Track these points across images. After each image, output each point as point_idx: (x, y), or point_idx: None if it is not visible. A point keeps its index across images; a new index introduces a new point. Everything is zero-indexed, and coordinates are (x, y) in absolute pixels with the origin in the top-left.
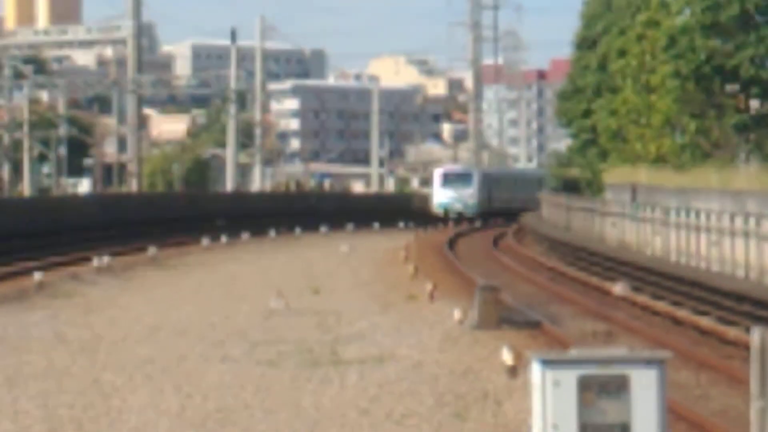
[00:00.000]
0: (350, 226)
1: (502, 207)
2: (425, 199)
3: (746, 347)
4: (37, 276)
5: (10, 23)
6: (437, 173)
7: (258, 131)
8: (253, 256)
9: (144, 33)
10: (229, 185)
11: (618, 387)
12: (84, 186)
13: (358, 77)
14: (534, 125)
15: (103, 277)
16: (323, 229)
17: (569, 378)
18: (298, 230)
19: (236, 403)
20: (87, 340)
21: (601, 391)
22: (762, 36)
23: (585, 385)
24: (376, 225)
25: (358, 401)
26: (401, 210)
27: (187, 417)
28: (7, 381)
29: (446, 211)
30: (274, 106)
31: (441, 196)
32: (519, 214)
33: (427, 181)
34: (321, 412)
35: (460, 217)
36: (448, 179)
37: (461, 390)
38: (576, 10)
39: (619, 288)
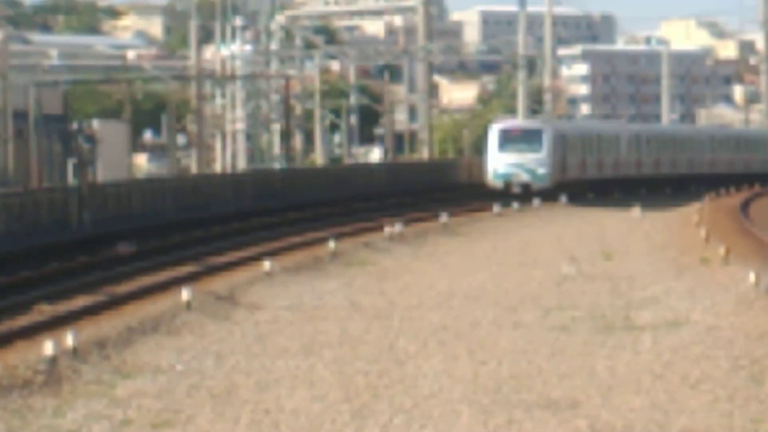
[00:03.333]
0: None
1: (586, 177)
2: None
3: None
4: (331, 244)
5: None
6: (493, 131)
7: (548, 97)
8: (544, 223)
9: (432, 1)
10: None
11: None
12: (375, 154)
13: (647, 41)
14: None
15: (396, 245)
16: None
17: None
18: (591, 196)
19: (530, 368)
20: (381, 307)
21: None
22: None
23: None
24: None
25: (653, 366)
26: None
27: (480, 383)
28: (304, 349)
29: (507, 184)
30: (564, 71)
31: (499, 164)
32: (613, 187)
33: None
34: (615, 377)
35: (526, 192)
36: (509, 140)
37: (757, 354)
38: None
39: None
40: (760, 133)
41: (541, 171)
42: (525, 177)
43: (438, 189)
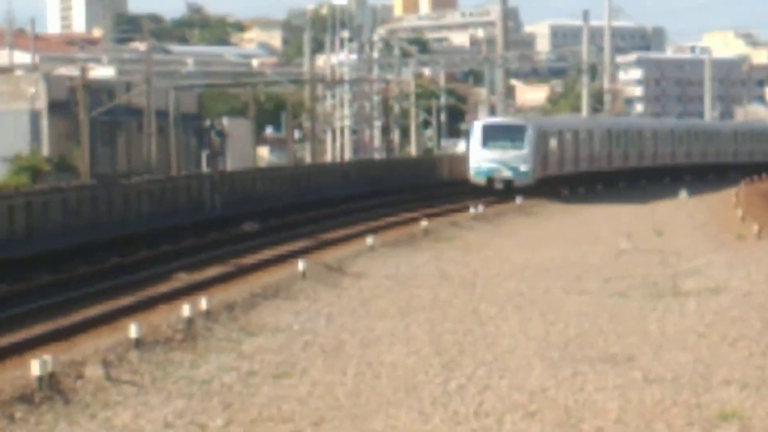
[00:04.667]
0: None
1: (570, 172)
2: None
3: None
4: (424, 223)
5: (397, 11)
6: (476, 127)
7: (607, 98)
8: (605, 204)
9: (509, 16)
10: None
11: None
12: (461, 147)
13: (692, 50)
14: None
15: (478, 223)
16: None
17: None
18: (643, 182)
19: (592, 328)
20: (465, 276)
21: None
22: None
23: None
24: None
25: (697, 326)
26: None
27: (551, 341)
28: (400, 312)
29: (490, 180)
30: (621, 75)
31: (481, 159)
32: (594, 182)
33: None
34: (665, 336)
35: (508, 188)
36: (491, 135)
37: None
38: None
39: None
40: (718, 126)
41: (524, 168)
42: (507, 173)
43: None
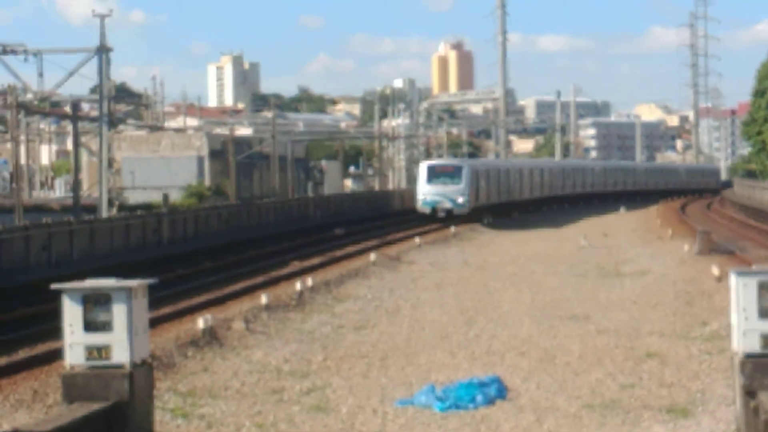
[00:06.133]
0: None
1: (494, 203)
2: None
3: None
4: (452, 229)
5: (435, 90)
6: (422, 168)
7: (572, 147)
8: (572, 220)
9: (508, 94)
10: None
11: None
12: None
13: (628, 116)
14: (729, 140)
15: (488, 230)
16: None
17: (752, 282)
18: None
19: (562, 297)
20: (479, 263)
21: (763, 287)
22: None
23: (762, 286)
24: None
25: (630, 296)
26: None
27: (535, 305)
28: (436, 286)
29: (434, 210)
30: (581, 133)
31: (427, 193)
32: (513, 211)
33: None
34: (610, 302)
35: (449, 216)
36: (435, 174)
37: (689, 289)
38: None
39: None
40: (597, 164)
41: (461, 200)
42: (448, 204)
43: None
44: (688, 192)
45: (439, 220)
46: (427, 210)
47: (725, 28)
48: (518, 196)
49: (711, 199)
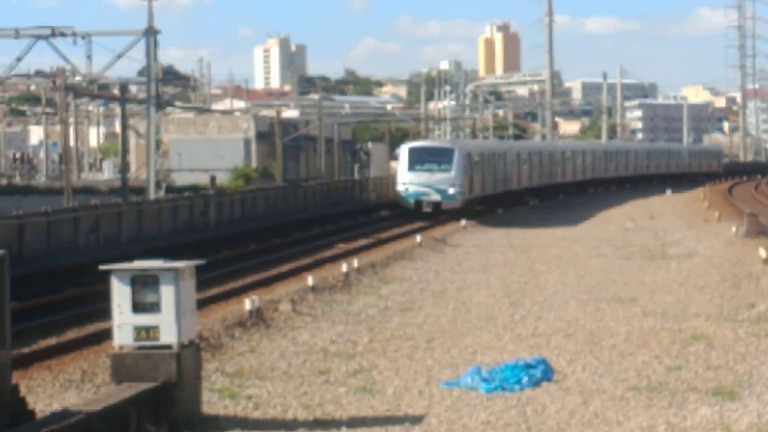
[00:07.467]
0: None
1: (492, 194)
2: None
3: None
4: (500, 211)
5: (481, 72)
6: (403, 151)
7: (618, 129)
8: (621, 199)
9: (554, 76)
10: None
11: None
12: None
13: (675, 98)
14: None
15: (532, 211)
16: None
17: None
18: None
19: (607, 279)
20: (524, 245)
21: None
22: None
23: None
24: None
25: (677, 278)
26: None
27: (580, 287)
28: (482, 269)
29: (418, 204)
30: (627, 115)
31: (409, 183)
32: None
33: None
34: (656, 284)
35: (436, 210)
36: (419, 159)
37: (736, 271)
38: None
39: None
40: (594, 144)
41: (452, 190)
42: (435, 196)
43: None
44: (692, 175)
45: (425, 216)
46: (410, 204)
47: None
48: (517, 183)
49: (760, 181)
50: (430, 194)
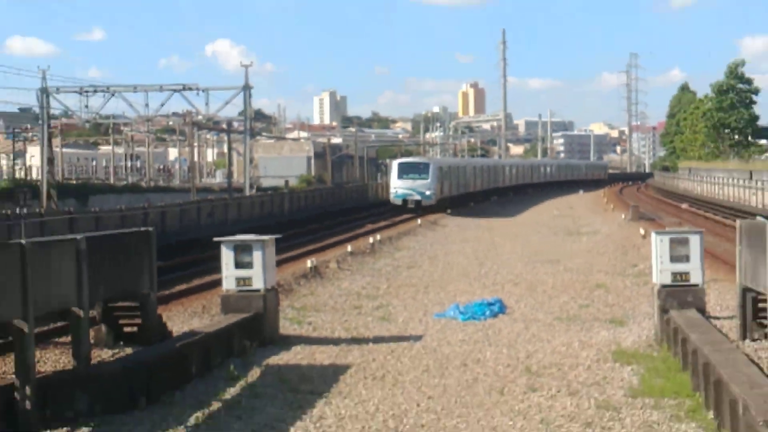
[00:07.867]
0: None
1: (456, 195)
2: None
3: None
4: (471, 204)
5: (460, 113)
6: (394, 165)
7: (548, 152)
8: (548, 197)
9: (507, 117)
10: None
11: (682, 241)
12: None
13: (586, 131)
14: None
15: (493, 204)
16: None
17: (666, 238)
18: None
19: (542, 247)
20: (489, 226)
21: (672, 242)
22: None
23: (672, 241)
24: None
25: (587, 247)
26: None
27: (524, 253)
28: (461, 241)
29: (404, 201)
30: (555, 142)
31: (398, 187)
32: (472, 202)
33: None
34: (573, 251)
35: (417, 206)
36: (405, 170)
37: (625, 243)
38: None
39: (685, 205)
40: (529, 162)
41: (428, 192)
42: (417, 196)
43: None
44: (586, 181)
45: (409, 210)
46: (398, 202)
47: (650, 72)
48: (474, 188)
49: (639, 185)
50: (413, 195)
